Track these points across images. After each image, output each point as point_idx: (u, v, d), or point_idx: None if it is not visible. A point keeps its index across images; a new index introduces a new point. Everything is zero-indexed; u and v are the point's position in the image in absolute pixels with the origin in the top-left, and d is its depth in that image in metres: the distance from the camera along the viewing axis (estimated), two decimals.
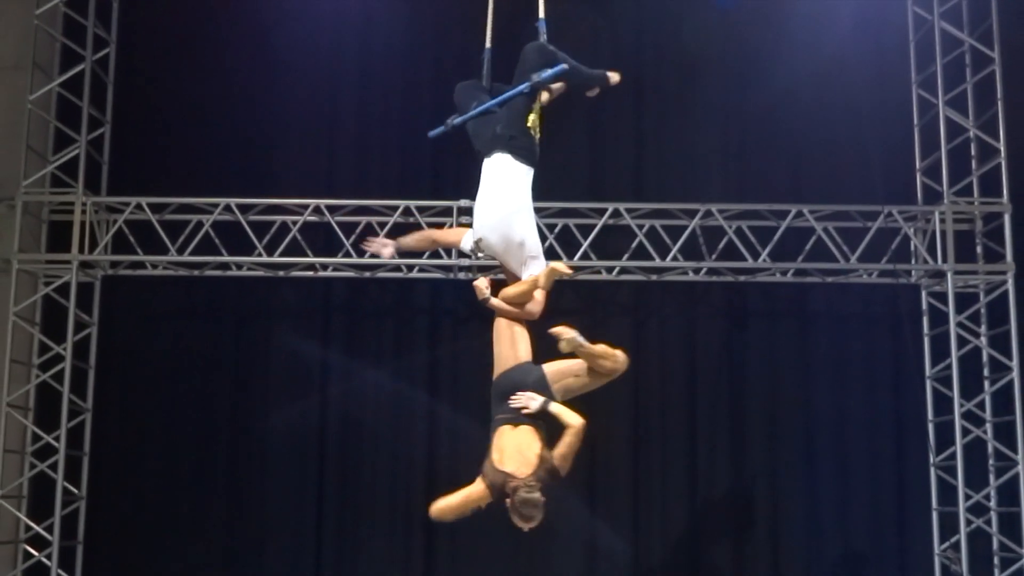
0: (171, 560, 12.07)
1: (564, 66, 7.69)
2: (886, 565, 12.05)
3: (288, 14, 12.51)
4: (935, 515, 11.85)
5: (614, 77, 8.50)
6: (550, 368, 7.65)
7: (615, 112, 12.48)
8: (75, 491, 11.94)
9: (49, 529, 11.53)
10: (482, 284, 7.71)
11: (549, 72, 7.64)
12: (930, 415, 12.04)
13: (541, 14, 8.08)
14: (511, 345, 7.72)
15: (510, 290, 7.78)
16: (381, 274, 12.17)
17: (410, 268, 12.08)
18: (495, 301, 7.73)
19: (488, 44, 8.27)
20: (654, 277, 12.21)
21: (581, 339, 7.36)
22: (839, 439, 12.24)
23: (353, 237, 11.91)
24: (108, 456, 12.32)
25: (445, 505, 7.41)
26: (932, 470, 11.89)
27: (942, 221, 11.83)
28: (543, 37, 7.93)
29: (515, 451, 7.25)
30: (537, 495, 7.03)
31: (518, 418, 7.36)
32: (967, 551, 11.28)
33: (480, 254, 8.07)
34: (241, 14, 12.59)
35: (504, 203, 7.64)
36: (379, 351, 12.50)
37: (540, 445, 7.27)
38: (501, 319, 7.81)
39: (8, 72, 12.42)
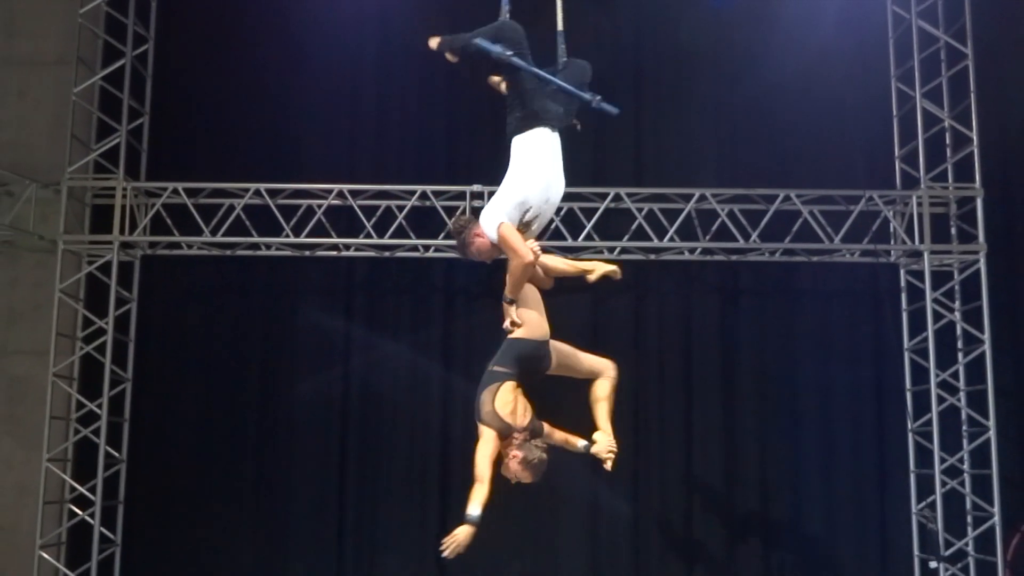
0: (205, 518, 12.18)
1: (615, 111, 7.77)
2: (867, 523, 12.12)
3: (312, 13, 12.53)
4: (912, 477, 11.94)
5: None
6: (562, 348, 7.77)
7: (616, 103, 12.54)
8: (116, 455, 12.08)
9: (92, 490, 11.67)
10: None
11: (606, 106, 7.71)
12: (908, 384, 12.10)
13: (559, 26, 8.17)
14: (541, 314, 7.72)
15: (560, 265, 7.88)
16: (400, 254, 12.24)
17: (426, 248, 12.15)
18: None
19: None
20: (652, 257, 12.29)
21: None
22: (824, 406, 12.30)
23: (374, 219, 12.03)
24: (147, 422, 12.43)
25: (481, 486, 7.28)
26: (910, 435, 11.97)
27: (919, 205, 11.92)
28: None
29: (524, 410, 7.40)
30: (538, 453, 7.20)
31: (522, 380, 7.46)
32: (942, 510, 11.40)
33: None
34: (269, 13, 12.67)
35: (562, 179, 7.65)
36: (397, 326, 12.56)
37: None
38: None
39: (54, 67, 12.59)
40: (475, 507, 7.10)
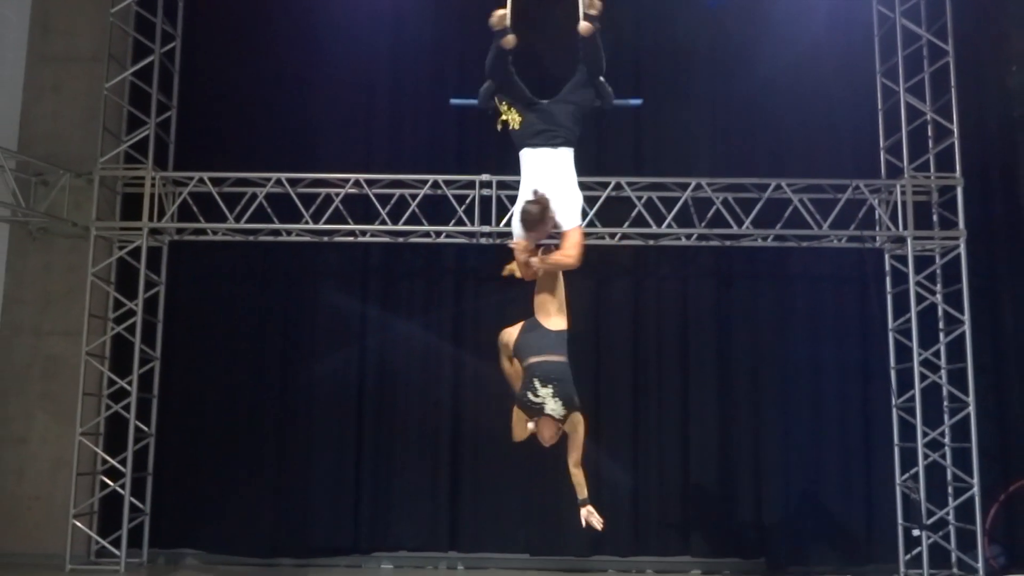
0: (229, 488, 12.32)
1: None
2: (854, 493, 12.25)
3: (329, 13, 12.70)
4: (896, 450, 12.04)
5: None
6: None
7: (617, 97, 12.62)
8: (145, 429, 12.23)
9: (123, 462, 11.84)
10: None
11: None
12: (892, 362, 12.19)
13: None
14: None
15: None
16: (413, 240, 12.36)
17: (438, 234, 12.27)
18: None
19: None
20: (651, 242, 12.40)
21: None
22: (813, 383, 12.42)
23: (388, 207, 12.15)
24: (174, 398, 12.58)
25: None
26: (894, 411, 12.08)
27: (903, 193, 12.02)
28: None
29: None
30: None
31: None
32: (924, 481, 11.55)
33: None
34: (289, 12, 12.85)
35: None
36: (411, 307, 12.69)
37: None
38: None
39: (87, 63, 12.77)
40: (584, 490, 7.69)
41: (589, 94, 8.03)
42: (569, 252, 7.60)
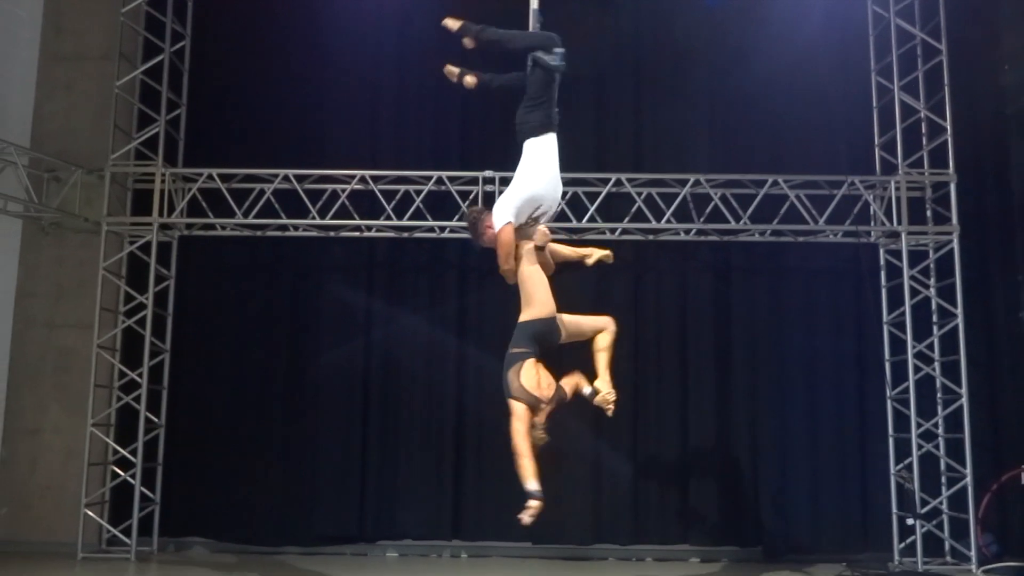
0: (237, 479, 12.40)
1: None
2: (849, 483, 12.32)
3: (335, 13, 12.80)
4: (891, 441, 12.10)
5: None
6: (567, 319, 8.23)
7: (617, 95, 12.80)
8: (155, 420, 12.32)
9: (133, 453, 11.93)
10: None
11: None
12: (887, 355, 12.26)
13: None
14: (547, 293, 8.17)
15: (565, 251, 8.59)
16: (417, 235, 12.43)
17: (442, 229, 12.33)
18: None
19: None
20: (651, 237, 12.46)
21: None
22: (809, 376, 12.49)
23: (393, 202, 12.24)
24: (184, 390, 12.66)
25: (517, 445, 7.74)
26: (888, 402, 12.13)
27: (897, 189, 12.10)
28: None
29: (548, 383, 7.83)
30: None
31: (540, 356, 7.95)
32: (918, 471, 11.63)
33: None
34: (296, 12, 12.93)
35: None
36: (415, 301, 12.76)
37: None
38: (535, 265, 8.22)
39: (98, 62, 12.86)
40: (532, 483, 7.60)
41: (536, 76, 8.27)
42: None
